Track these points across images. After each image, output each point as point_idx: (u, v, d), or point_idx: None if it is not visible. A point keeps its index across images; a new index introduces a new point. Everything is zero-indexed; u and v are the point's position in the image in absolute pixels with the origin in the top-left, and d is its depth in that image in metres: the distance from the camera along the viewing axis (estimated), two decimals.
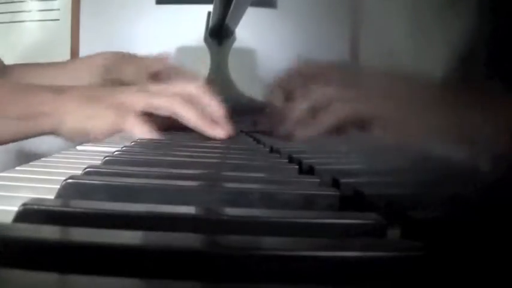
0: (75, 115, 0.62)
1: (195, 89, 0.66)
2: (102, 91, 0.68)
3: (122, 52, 0.98)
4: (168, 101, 0.63)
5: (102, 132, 0.63)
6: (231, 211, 0.25)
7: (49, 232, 0.18)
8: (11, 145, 0.68)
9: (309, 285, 0.17)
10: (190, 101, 0.65)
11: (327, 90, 0.40)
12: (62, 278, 0.15)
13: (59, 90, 0.63)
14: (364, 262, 0.18)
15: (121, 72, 0.92)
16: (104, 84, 0.90)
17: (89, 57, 0.95)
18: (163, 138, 0.62)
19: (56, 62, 0.94)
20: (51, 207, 0.22)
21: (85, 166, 0.34)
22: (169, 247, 0.17)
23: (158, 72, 0.92)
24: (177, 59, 1.63)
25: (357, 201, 0.30)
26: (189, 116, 0.63)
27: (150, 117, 0.64)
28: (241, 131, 0.85)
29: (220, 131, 0.64)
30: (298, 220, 0.23)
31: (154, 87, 0.67)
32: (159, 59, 0.92)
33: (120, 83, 0.88)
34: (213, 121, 0.65)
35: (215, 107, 0.65)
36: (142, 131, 0.62)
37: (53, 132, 0.63)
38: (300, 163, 0.43)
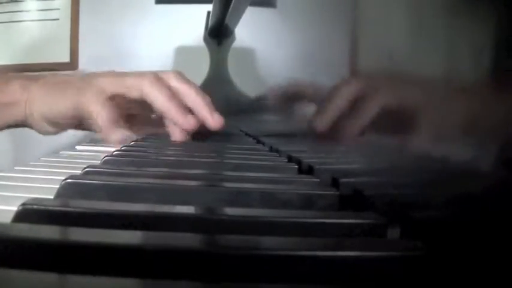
0: (42, 102, 0.58)
1: (175, 76, 0.58)
2: (73, 77, 0.62)
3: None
4: (138, 79, 0.57)
5: (64, 117, 0.57)
6: (231, 211, 0.25)
7: (48, 232, 0.18)
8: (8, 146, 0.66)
9: (309, 285, 0.17)
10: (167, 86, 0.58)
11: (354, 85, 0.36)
12: (61, 278, 0.15)
13: (29, 80, 0.61)
14: (364, 262, 0.18)
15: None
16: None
17: None
18: (133, 135, 0.56)
19: None
20: (50, 207, 0.22)
21: (84, 166, 0.34)
22: (169, 247, 0.17)
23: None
24: (177, 58, 1.64)
25: (356, 201, 0.30)
26: (158, 98, 0.55)
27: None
28: (241, 131, 0.85)
29: (191, 119, 0.56)
30: (298, 220, 0.23)
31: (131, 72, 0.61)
32: None
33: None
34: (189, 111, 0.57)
35: (197, 96, 0.57)
36: (108, 118, 0.55)
37: (24, 123, 0.60)
38: (299, 163, 0.43)
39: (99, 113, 0.55)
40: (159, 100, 0.56)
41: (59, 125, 0.60)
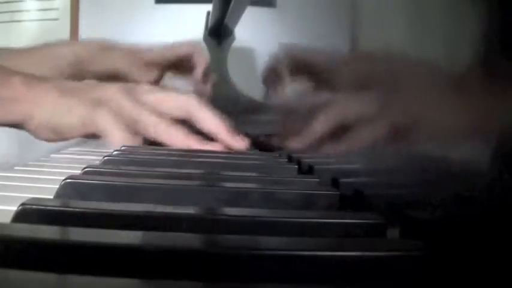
0: (45, 107, 0.53)
1: (191, 101, 0.56)
2: (83, 84, 0.58)
3: (106, 41, 0.87)
4: (152, 125, 0.53)
5: (70, 131, 0.53)
6: (231, 211, 0.25)
7: (48, 232, 0.18)
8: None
9: (309, 285, 0.17)
10: (186, 113, 0.55)
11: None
12: (60, 278, 0.15)
13: (32, 77, 0.54)
14: (364, 262, 0.18)
15: (99, 63, 0.82)
16: (69, 78, 0.76)
17: (58, 45, 0.85)
18: (146, 146, 0.52)
19: (23, 48, 0.82)
20: (50, 207, 0.22)
21: (84, 166, 0.34)
22: (169, 247, 0.17)
23: (154, 62, 0.85)
24: None
25: (356, 201, 0.30)
26: (174, 142, 0.53)
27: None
28: (241, 131, 0.85)
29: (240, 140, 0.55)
30: (298, 220, 0.23)
31: (143, 90, 0.56)
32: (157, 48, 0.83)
33: (98, 79, 0.77)
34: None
35: (213, 121, 0.56)
36: (120, 136, 0.51)
37: (21, 124, 0.54)
38: (299, 163, 0.43)
39: (115, 141, 0.50)
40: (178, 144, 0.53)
41: (63, 135, 0.54)
